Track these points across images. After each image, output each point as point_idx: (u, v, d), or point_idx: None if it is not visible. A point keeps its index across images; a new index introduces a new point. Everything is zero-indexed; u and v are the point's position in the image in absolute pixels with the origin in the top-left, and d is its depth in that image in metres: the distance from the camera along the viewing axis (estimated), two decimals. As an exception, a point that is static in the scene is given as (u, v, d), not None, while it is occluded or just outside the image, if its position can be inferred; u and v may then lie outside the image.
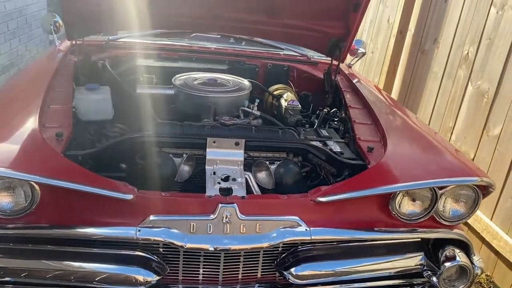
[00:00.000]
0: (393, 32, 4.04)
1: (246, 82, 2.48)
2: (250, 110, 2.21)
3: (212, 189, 1.62)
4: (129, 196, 1.44)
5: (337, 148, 1.98)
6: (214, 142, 1.79)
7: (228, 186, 1.65)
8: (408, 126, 2.28)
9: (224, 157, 1.78)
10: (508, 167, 2.69)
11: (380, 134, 2.05)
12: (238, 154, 1.79)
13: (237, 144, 1.80)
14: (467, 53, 3.19)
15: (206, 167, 1.75)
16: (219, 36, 3.11)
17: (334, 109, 2.40)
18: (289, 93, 2.54)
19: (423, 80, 3.75)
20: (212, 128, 1.86)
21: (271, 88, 2.70)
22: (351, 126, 2.14)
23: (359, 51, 2.99)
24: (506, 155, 2.71)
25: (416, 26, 3.89)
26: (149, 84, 2.48)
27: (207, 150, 1.78)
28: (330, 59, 2.70)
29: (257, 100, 2.30)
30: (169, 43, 2.89)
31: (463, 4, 3.27)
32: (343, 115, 2.36)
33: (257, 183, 1.77)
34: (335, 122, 2.33)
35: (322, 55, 2.91)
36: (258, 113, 2.22)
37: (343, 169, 1.84)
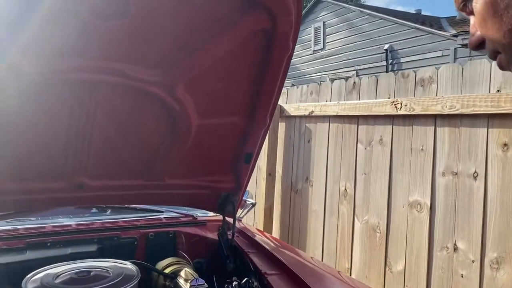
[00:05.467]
0: (262, 175, 3.95)
1: (129, 265, 1.87)
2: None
3: None
4: None
5: None
6: None
7: None
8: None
9: None
10: (427, 305, 2.52)
11: None
12: None
13: None
14: (345, 189, 3.19)
15: None
16: (76, 207, 2.46)
17: (246, 279, 1.95)
18: (186, 268, 2.00)
19: (303, 219, 3.62)
20: None
21: (160, 265, 2.12)
22: None
23: (247, 202, 2.71)
24: (420, 291, 2.57)
25: (283, 167, 3.88)
26: None
27: None
28: (218, 216, 2.35)
29: None
30: (8, 228, 2.12)
31: (328, 142, 3.38)
32: (258, 285, 1.93)
33: None
34: (253, 299, 1.86)
35: (208, 212, 2.54)
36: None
37: None
